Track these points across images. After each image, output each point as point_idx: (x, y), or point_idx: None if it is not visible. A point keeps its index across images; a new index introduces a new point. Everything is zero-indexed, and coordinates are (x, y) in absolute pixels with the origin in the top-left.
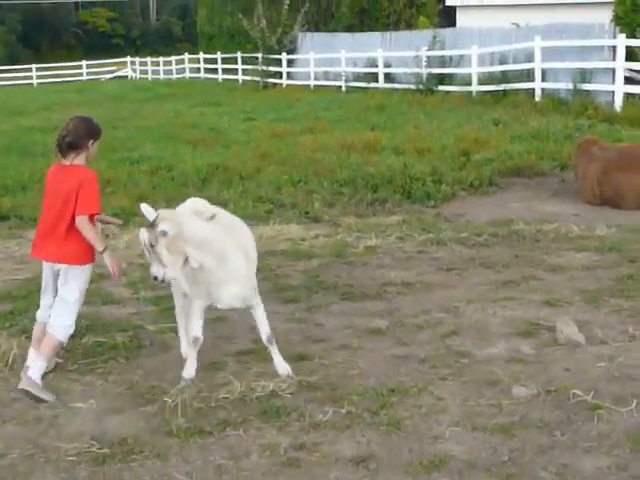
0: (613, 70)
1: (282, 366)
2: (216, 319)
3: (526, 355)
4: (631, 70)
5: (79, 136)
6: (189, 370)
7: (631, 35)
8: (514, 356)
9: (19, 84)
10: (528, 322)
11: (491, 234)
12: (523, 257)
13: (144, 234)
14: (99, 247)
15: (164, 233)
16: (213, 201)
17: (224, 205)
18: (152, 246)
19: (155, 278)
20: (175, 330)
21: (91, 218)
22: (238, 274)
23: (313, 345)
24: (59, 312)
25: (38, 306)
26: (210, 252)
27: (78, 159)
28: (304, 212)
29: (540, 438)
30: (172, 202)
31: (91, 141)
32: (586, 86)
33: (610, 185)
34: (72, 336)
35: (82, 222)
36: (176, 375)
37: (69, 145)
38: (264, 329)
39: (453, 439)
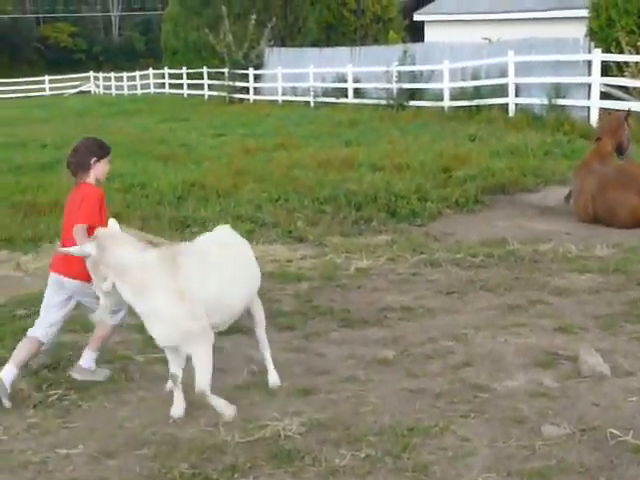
0: (588, 85)
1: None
2: None
3: (550, 389)
4: (607, 85)
5: (81, 156)
6: (176, 409)
7: (606, 50)
8: (537, 390)
9: None
10: (545, 351)
11: (487, 255)
12: (524, 279)
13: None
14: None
15: (87, 254)
16: (190, 220)
17: (202, 224)
18: None
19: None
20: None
21: (90, 231)
22: (159, 313)
23: (317, 378)
24: None
25: None
26: (129, 282)
27: (86, 178)
28: (287, 231)
29: None
30: (147, 221)
31: (93, 159)
32: (561, 101)
33: (604, 202)
34: (54, 368)
35: (76, 231)
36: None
37: (74, 165)
38: (196, 381)
39: None
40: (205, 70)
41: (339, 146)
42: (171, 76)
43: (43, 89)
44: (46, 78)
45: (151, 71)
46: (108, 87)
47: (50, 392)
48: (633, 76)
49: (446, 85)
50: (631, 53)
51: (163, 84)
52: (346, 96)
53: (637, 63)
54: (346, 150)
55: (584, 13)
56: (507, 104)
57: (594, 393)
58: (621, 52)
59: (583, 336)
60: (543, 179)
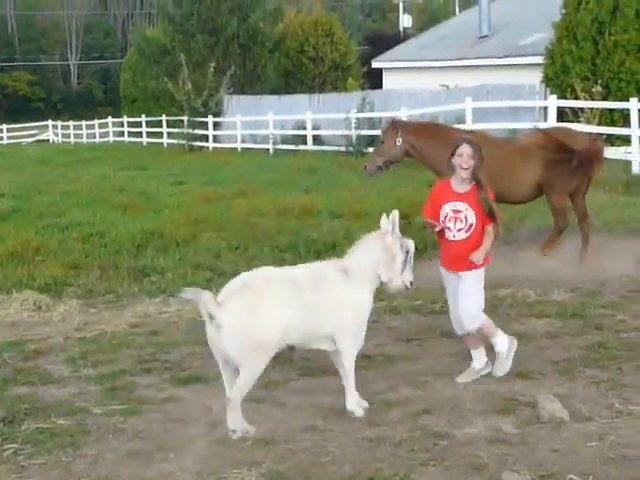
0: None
1: None
2: (168, 399)
3: (509, 435)
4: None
5: None
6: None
7: (561, 96)
8: (496, 436)
9: None
10: (504, 397)
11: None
12: None
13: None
14: None
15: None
16: (149, 270)
17: (161, 273)
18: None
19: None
20: (124, 413)
21: None
22: None
23: (277, 427)
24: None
25: None
26: None
27: None
28: None
29: None
30: (106, 270)
31: None
32: None
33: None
34: (10, 422)
35: None
36: (130, 465)
37: None
38: None
39: None
40: (164, 118)
41: (298, 193)
42: (130, 124)
43: (1, 138)
44: (4, 127)
45: (110, 119)
46: (67, 135)
47: (5, 446)
48: (588, 121)
49: None
50: (586, 99)
51: (122, 132)
52: (305, 143)
53: (592, 109)
54: (305, 197)
55: (539, 60)
56: None
57: (553, 439)
58: (576, 98)
59: (542, 382)
60: (503, 223)
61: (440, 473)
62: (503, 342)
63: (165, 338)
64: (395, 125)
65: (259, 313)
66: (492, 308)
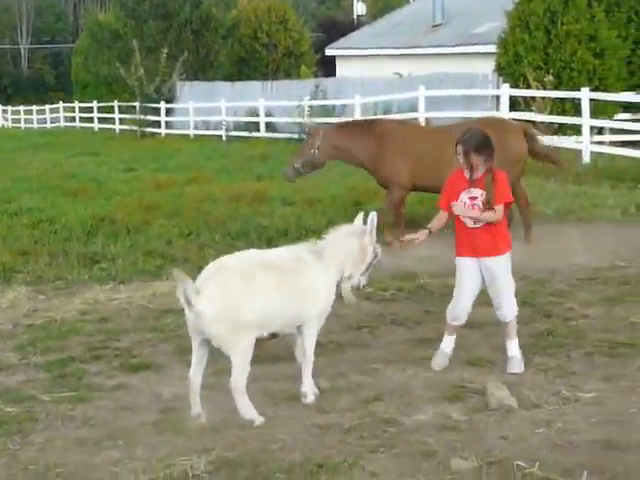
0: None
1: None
2: (118, 386)
3: (458, 422)
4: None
5: None
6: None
7: (514, 85)
8: (445, 423)
9: None
10: (453, 384)
11: (397, 289)
12: (434, 313)
13: None
14: None
15: None
16: (99, 256)
17: (112, 260)
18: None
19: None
20: (72, 400)
21: None
22: None
23: (227, 415)
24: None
25: None
26: None
27: None
28: (198, 267)
29: None
30: (55, 257)
31: None
32: None
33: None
34: None
35: None
36: (79, 453)
37: None
38: None
39: None
40: (116, 104)
41: (251, 180)
42: (82, 110)
43: None
44: None
45: (61, 105)
46: (17, 121)
47: None
48: (539, 111)
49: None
50: (538, 88)
51: (74, 118)
52: (258, 130)
53: (543, 98)
54: (258, 184)
55: (492, 49)
56: None
57: (501, 426)
58: (528, 87)
59: (491, 369)
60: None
61: (389, 460)
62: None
63: (115, 325)
64: (317, 130)
65: (234, 294)
66: (442, 296)
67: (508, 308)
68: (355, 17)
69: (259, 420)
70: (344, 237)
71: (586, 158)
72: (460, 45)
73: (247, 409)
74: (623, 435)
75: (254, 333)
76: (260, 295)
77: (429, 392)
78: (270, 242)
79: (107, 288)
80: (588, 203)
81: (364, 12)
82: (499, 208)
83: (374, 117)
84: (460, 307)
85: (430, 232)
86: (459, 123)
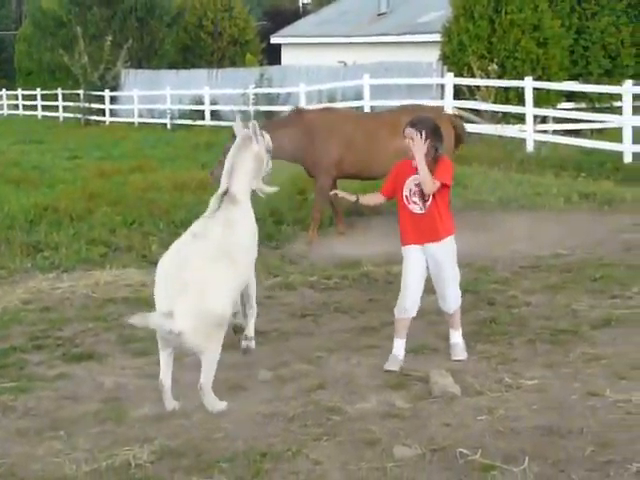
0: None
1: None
2: (59, 376)
3: (401, 410)
4: (460, 108)
5: None
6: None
7: (458, 74)
8: (389, 411)
9: None
10: (397, 372)
11: (341, 277)
12: (377, 301)
13: None
14: None
15: None
16: (42, 245)
17: (55, 249)
18: None
19: None
20: (14, 391)
21: None
22: None
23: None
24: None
25: None
26: None
27: None
28: (141, 255)
29: None
30: None
31: None
32: None
33: None
34: None
35: None
36: (20, 444)
37: None
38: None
39: None
40: (60, 92)
41: (195, 169)
42: (25, 97)
43: None
44: None
45: (4, 92)
46: None
47: None
48: (483, 99)
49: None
50: (482, 77)
51: (17, 105)
52: (203, 118)
53: (487, 87)
54: (202, 173)
55: (437, 38)
56: None
57: (445, 413)
58: (472, 76)
59: (434, 357)
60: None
61: (332, 448)
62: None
63: (58, 314)
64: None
65: (207, 302)
66: (386, 284)
67: (452, 300)
68: (301, 5)
69: (223, 405)
70: (240, 163)
71: (530, 147)
72: (405, 34)
73: (214, 403)
74: (564, 421)
75: (225, 327)
76: (222, 282)
77: (373, 380)
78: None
79: (50, 277)
80: (531, 191)
81: (309, 0)
82: (437, 182)
83: (296, 107)
84: (409, 299)
85: (357, 200)
86: (389, 110)
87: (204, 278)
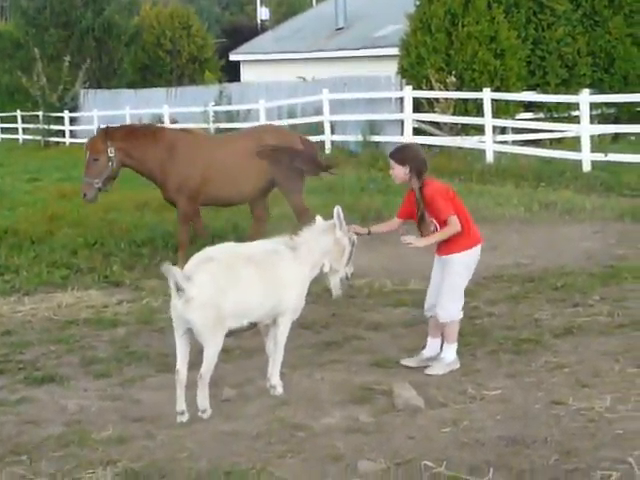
0: (401, 122)
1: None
2: (21, 400)
3: (365, 424)
4: (419, 121)
5: None
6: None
7: (417, 87)
8: (352, 426)
9: None
10: (360, 387)
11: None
12: (341, 315)
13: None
14: None
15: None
16: (2, 268)
17: (15, 272)
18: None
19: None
20: None
21: None
22: None
23: (133, 425)
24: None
25: None
26: None
27: None
28: (103, 276)
29: None
30: None
31: None
32: (375, 138)
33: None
34: None
35: None
36: None
37: None
38: None
39: None
40: (19, 113)
41: (156, 188)
42: None
43: None
44: None
45: None
46: None
47: None
48: (443, 112)
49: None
50: (440, 89)
51: None
52: None
53: (446, 99)
54: None
55: (395, 51)
56: (323, 141)
57: (409, 426)
58: (431, 88)
59: (398, 370)
60: (359, 215)
61: (297, 465)
62: (453, 352)
63: (19, 338)
64: (104, 136)
65: (221, 283)
66: (349, 298)
67: (441, 310)
68: (259, 22)
69: (209, 413)
70: (317, 235)
71: (490, 157)
72: (363, 48)
73: (205, 400)
74: (528, 431)
75: (228, 325)
76: (243, 286)
77: (336, 395)
78: (176, 249)
79: (11, 300)
80: (492, 202)
81: (268, 17)
82: (452, 219)
83: (152, 124)
84: (426, 302)
85: (369, 233)
86: (248, 131)
87: (229, 269)
